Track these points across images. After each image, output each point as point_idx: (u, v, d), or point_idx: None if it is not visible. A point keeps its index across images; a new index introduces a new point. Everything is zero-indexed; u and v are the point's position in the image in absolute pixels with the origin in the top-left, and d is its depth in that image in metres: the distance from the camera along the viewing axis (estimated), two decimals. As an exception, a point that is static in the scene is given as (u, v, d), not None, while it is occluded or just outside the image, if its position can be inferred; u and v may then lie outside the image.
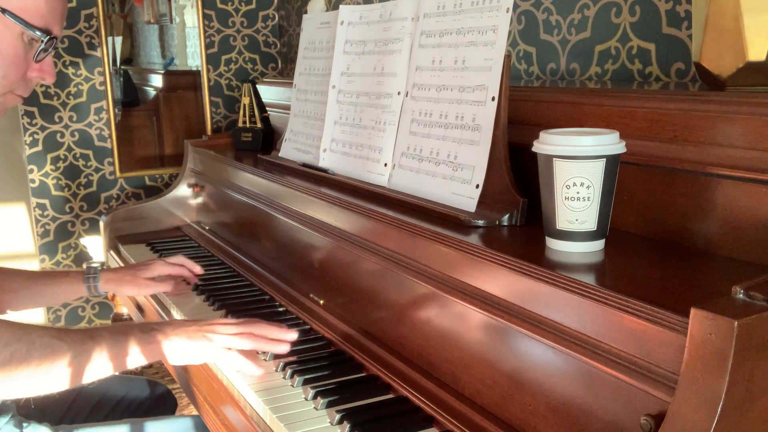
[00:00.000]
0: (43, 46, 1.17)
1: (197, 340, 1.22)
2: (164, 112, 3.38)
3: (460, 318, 1.06)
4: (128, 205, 2.45)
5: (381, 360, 1.23)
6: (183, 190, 2.43)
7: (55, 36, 1.19)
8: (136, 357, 1.20)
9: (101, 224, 2.39)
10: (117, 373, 1.20)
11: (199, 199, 2.37)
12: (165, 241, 2.24)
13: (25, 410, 1.46)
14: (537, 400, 0.93)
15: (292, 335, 1.27)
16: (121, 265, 2.11)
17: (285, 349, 1.26)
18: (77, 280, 1.63)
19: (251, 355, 1.24)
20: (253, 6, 3.05)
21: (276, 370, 1.25)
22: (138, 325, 1.25)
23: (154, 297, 1.75)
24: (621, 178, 1.00)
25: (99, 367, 1.17)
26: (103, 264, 1.72)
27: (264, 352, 1.29)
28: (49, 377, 1.12)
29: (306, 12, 2.24)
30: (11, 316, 1.55)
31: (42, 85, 1.26)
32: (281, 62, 3.13)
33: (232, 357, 1.22)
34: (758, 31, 0.96)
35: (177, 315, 1.61)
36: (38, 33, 1.15)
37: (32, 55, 1.18)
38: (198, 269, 1.74)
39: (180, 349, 1.22)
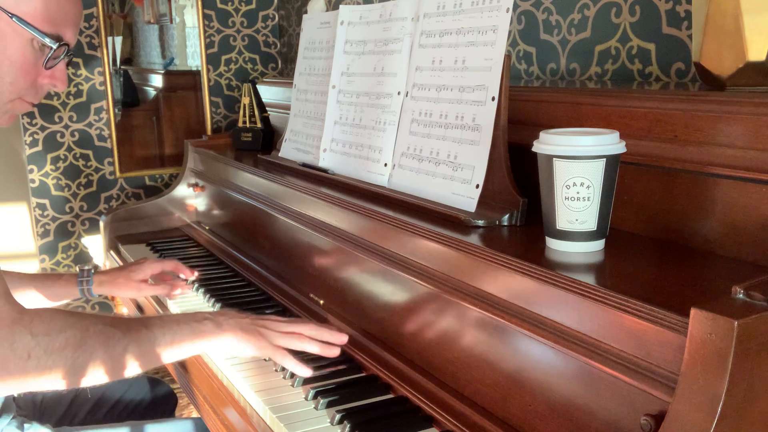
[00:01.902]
0: (52, 52, 1.13)
1: (250, 333, 1.20)
2: (164, 112, 3.38)
3: (460, 318, 1.06)
4: (128, 205, 2.45)
5: (381, 360, 1.23)
6: (183, 190, 2.43)
7: (67, 43, 1.15)
8: (190, 346, 1.19)
9: (101, 224, 2.39)
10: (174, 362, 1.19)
11: (199, 199, 2.37)
12: (165, 241, 2.24)
13: (26, 411, 1.46)
14: (537, 399, 0.93)
15: (343, 338, 1.25)
16: (121, 265, 2.11)
17: (336, 352, 1.23)
18: (71, 282, 1.62)
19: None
20: (253, 6, 3.05)
21: (276, 371, 1.25)
22: (190, 314, 1.23)
23: (154, 297, 1.75)
24: (621, 178, 1.00)
25: (154, 356, 1.16)
26: (96, 267, 1.72)
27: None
28: (105, 365, 1.11)
29: (306, 12, 2.24)
30: None
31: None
32: (281, 62, 3.13)
33: (284, 355, 1.20)
34: (758, 31, 0.96)
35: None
36: (48, 39, 1.11)
37: (43, 61, 1.14)
38: (189, 273, 1.74)
39: (233, 341, 1.20)
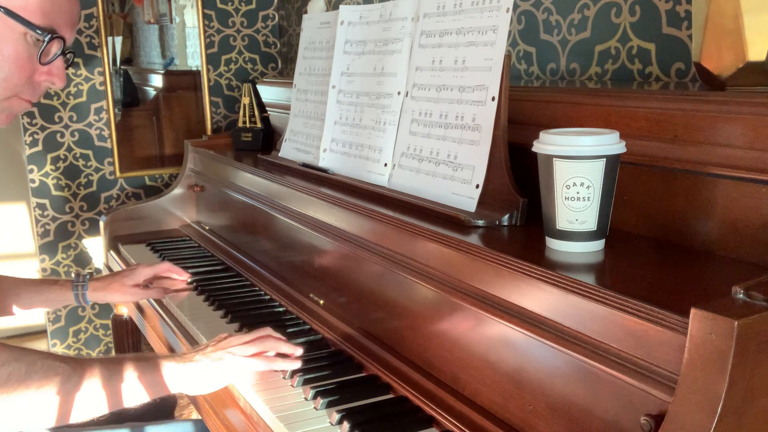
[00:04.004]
0: (45, 45, 1.10)
1: (220, 361, 1.17)
2: (164, 112, 3.38)
3: (460, 318, 1.06)
4: (128, 205, 2.45)
5: (381, 360, 1.23)
6: (183, 190, 2.43)
7: (61, 36, 1.12)
8: (152, 384, 1.13)
9: (101, 224, 2.38)
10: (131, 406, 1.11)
11: (199, 199, 2.37)
12: (165, 241, 2.24)
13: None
14: (537, 399, 0.93)
15: (299, 350, 1.27)
16: (122, 266, 2.11)
17: (298, 365, 1.24)
18: (66, 288, 1.62)
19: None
20: (253, 6, 3.05)
21: (276, 370, 1.25)
22: (147, 354, 1.17)
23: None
24: (621, 178, 1.00)
25: (109, 395, 1.08)
26: (91, 273, 1.72)
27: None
28: (50, 404, 1.03)
29: (306, 12, 2.24)
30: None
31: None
32: (281, 62, 3.13)
33: (269, 361, 1.20)
34: (758, 31, 0.96)
35: (178, 313, 1.62)
36: (39, 32, 1.08)
37: (37, 55, 1.11)
38: (185, 275, 1.74)
39: (206, 376, 1.16)
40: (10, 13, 1.07)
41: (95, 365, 1.09)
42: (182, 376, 1.16)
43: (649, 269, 0.95)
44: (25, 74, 1.12)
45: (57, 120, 2.82)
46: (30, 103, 1.17)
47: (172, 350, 1.56)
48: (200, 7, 2.94)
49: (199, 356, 1.18)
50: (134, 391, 1.12)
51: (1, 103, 1.12)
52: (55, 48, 1.13)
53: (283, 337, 1.29)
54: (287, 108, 1.99)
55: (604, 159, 0.95)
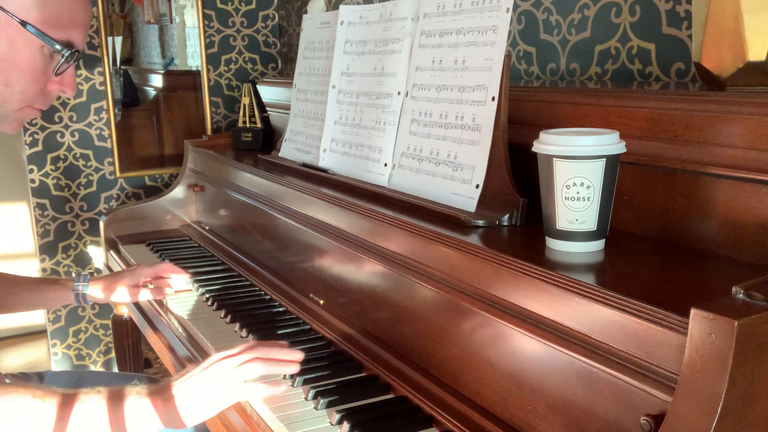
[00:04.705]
0: (63, 59, 1.10)
1: (211, 386, 1.08)
2: (164, 112, 3.37)
3: (460, 318, 1.06)
4: (128, 205, 2.45)
5: (381, 360, 1.23)
6: (183, 190, 2.43)
7: (77, 49, 1.12)
8: (143, 423, 1.04)
9: (101, 224, 2.38)
10: None
11: (199, 199, 2.37)
12: (165, 241, 2.24)
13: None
14: (537, 399, 0.93)
15: (299, 355, 1.18)
16: (122, 266, 2.11)
17: (296, 369, 1.17)
18: (66, 288, 1.62)
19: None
20: (253, 6, 3.04)
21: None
22: (142, 387, 1.08)
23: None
24: (621, 178, 1.00)
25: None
26: (92, 272, 1.71)
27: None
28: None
29: (306, 12, 2.24)
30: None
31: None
32: (281, 62, 3.13)
33: (254, 388, 1.11)
34: (758, 31, 0.96)
35: (178, 313, 1.62)
36: (58, 46, 1.09)
37: (53, 68, 1.12)
38: (185, 275, 1.74)
39: (197, 404, 1.07)
40: (29, 26, 1.06)
41: (75, 405, 1.02)
42: (176, 411, 1.06)
43: (649, 269, 0.95)
44: (40, 85, 1.13)
45: (57, 120, 2.82)
46: (40, 111, 1.17)
47: (172, 350, 1.56)
48: (200, 7, 2.94)
49: (190, 387, 1.08)
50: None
51: (15, 113, 1.13)
52: (70, 59, 1.13)
53: (278, 343, 1.21)
54: (287, 108, 1.99)
55: (604, 159, 0.95)
